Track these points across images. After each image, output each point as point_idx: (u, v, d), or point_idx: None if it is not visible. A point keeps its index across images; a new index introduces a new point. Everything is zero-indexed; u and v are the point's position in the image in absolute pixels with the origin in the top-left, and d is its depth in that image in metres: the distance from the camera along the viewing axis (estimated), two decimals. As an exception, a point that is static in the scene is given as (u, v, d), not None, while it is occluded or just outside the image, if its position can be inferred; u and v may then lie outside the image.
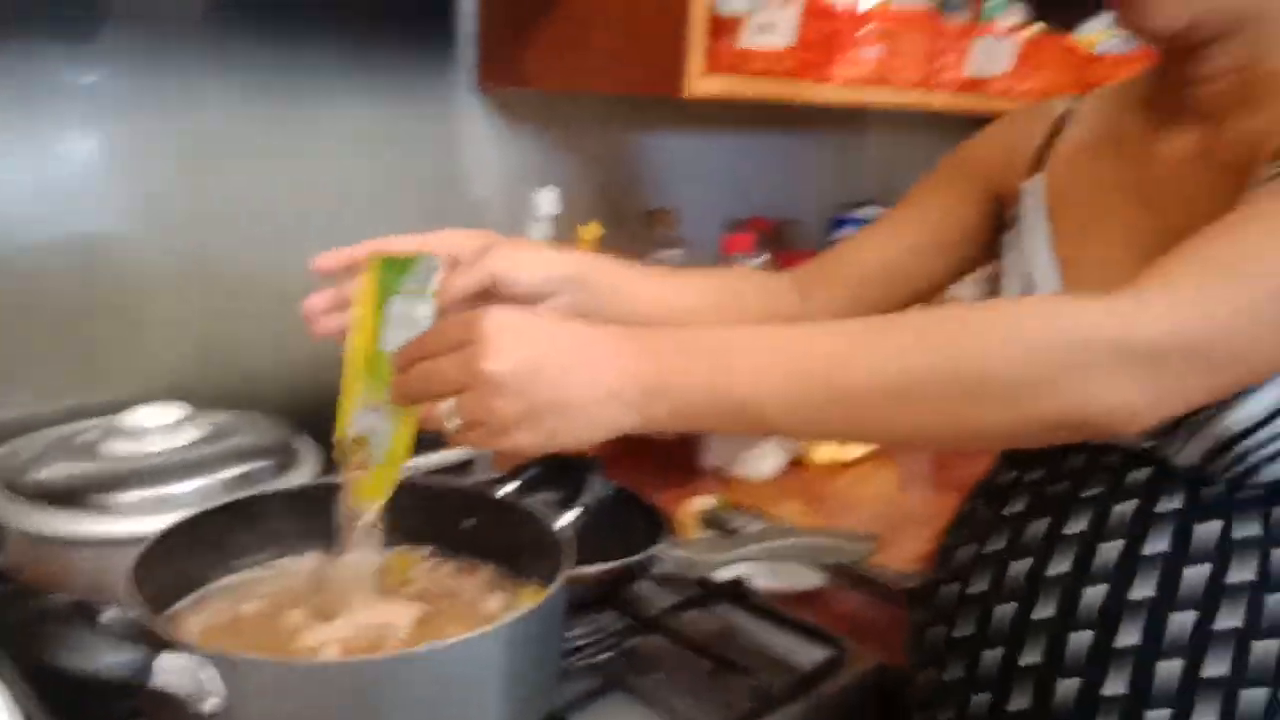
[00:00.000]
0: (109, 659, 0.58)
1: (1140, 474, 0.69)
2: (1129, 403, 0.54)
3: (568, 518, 0.81)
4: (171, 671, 0.58)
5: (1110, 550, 0.69)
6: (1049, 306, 0.59)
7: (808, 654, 0.87)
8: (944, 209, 0.87)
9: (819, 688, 0.83)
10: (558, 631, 0.72)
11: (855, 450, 1.37)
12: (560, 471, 0.88)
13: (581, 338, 0.57)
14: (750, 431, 0.64)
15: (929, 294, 0.89)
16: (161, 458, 0.88)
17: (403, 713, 0.61)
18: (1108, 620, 0.68)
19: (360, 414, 0.68)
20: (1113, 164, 0.76)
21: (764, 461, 1.27)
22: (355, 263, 0.71)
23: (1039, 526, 0.72)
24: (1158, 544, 0.67)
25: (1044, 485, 0.74)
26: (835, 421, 0.57)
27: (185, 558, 0.75)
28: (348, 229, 1.12)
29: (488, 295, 0.72)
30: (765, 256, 1.52)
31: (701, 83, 1.07)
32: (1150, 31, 0.68)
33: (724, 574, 0.94)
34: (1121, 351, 0.53)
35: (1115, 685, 0.67)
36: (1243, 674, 0.65)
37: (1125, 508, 0.69)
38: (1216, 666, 0.65)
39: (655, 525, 0.92)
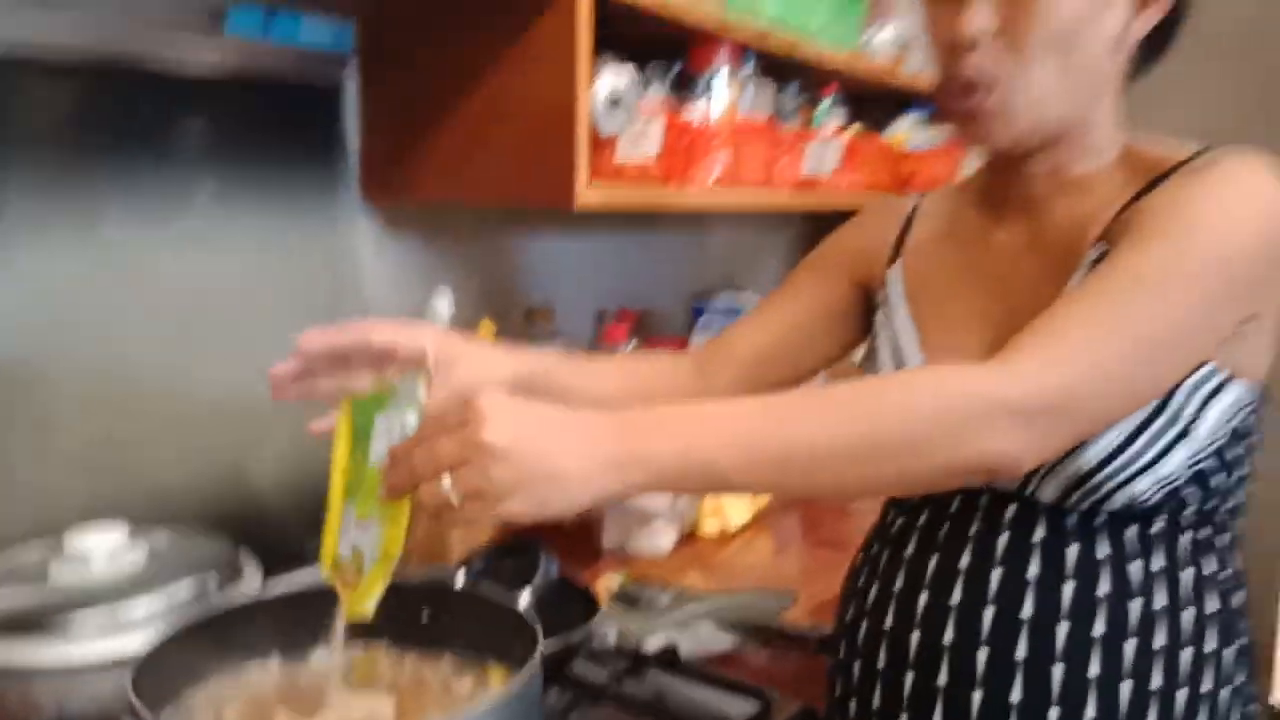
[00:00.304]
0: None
1: (1009, 511, 0.82)
2: (1010, 451, 0.67)
3: (524, 598, 0.87)
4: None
5: (995, 577, 0.81)
6: (945, 376, 0.71)
7: (738, 707, 0.96)
8: (816, 295, 1.00)
9: (757, 733, 0.92)
10: (539, 702, 0.78)
11: (738, 521, 1.48)
12: (502, 557, 0.94)
13: (568, 416, 0.65)
14: (712, 490, 0.73)
15: (815, 369, 1.01)
16: (109, 578, 0.88)
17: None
18: (1001, 637, 0.80)
19: (346, 534, 0.74)
20: (958, 252, 0.91)
21: (659, 538, 1.36)
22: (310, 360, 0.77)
23: (933, 563, 0.84)
24: (1033, 568, 0.80)
25: (932, 528, 0.86)
26: (783, 478, 0.67)
27: (165, 672, 0.76)
28: (249, 337, 1.19)
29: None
30: (634, 343, 1.63)
31: (588, 194, 1.18)
32: (986, 146, 0.83)
33: (651, 644, 1.03)
34: (1002, 410, 0.66)
35: (1015, 693, 0.79)
36: (1116, 671, 0.78)
37: (1002, 540, 0.82)
38: (1094, 667, 0.78)
39: (590, 603, 1.00)
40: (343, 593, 0.74)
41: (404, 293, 1.39)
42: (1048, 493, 0.80)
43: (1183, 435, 0.76)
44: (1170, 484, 0.77)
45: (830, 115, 1.74)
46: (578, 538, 1.36)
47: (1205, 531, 0.82)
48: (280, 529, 1.17)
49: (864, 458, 0.66)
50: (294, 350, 0.82)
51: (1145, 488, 0.77)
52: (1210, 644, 0.80)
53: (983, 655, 0.81)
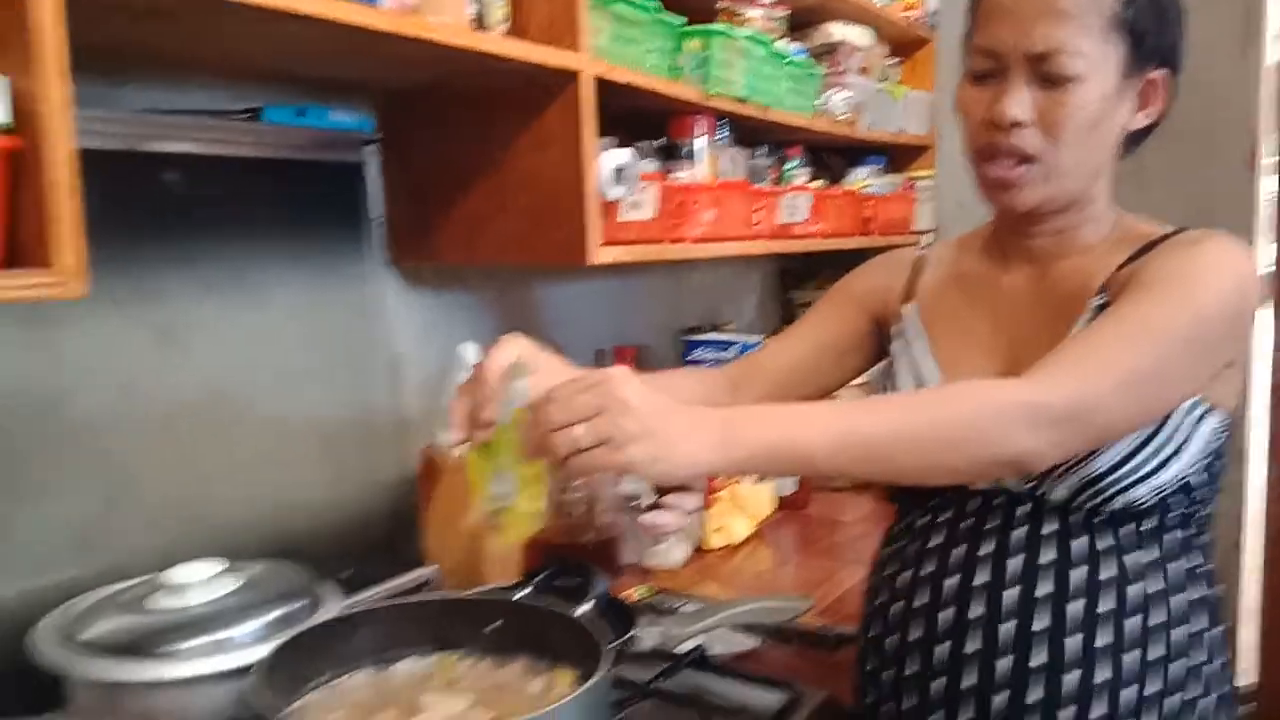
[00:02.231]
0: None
1: (1025, 508, 0.98)
2: (1037, 449, 0.83)
3: (585, 609, 1.00)
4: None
5: (1014, 563, 0.97)
6: (989, 387, 0.87)
7: (769, 699, 1.09)
8: (836, 325, 1.17)
9: (789, 718, 1.06)
10: (608, 700, 0.91)
11: (741, 535, 1.63)
12: (557, 576, 1.07)
13: (686, 405, 0.77)
14: (799, 473, 0.87)
15: (830, 390, 1.18)
16: (208, 607, 0.98)
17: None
18: (1024, 611, 0.95)
19: (487, 494, 0.87)
20: (968, 293, 1.08)
21: (672, 552, 1.50)
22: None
23: (959, 551, 0.99)
24: (1048, 554, 0.96)
25: (956, 522, 1.01)
26: (863, 463, 0.82)
27: (274, 683, 0.87)
28: (294, 387, 1.30)
29: None
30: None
31: (601, 253, 1.33)
32: (1011, 210, 0.99)
33: (682, 648, 1.16)
34: (1034, 414, 0.81)
35: (1036, 659, 0.94)
36: (1120, 643, 0.93)
37: (1018, 532, 0.97)
38: (1104, 638, 0.93)
39: (627, 613, 1.13)
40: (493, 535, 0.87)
41: (427, 340, 1.54)
42: (1059, 493, 0.95)
43: (1176, 453, 0.93)
44: (1163, 492, 0.94)
45: (797, 171, 1.91)
46: (596, 556, 1.48)
47: (1188, 531, 0.99)
48: (341, 555, 1.29)
49: (926, 449, 0.81)
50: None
51: (1143, 494, 0.93)
52: (1199, 624, 0.97)
53: (1006, 628, 0.96)
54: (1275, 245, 2.16)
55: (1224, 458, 0.99)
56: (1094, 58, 0.92)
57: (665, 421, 0.75)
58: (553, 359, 0.96)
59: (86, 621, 0.96)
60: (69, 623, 0.97)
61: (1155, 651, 0.94)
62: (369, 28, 0.99)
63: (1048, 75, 0.93)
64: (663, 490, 1.71)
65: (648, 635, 1.13)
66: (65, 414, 1.11)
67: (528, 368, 0.86)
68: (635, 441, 0.74)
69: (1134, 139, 1.01)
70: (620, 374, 0.76)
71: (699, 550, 1.59)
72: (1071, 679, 0.94)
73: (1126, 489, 0.93)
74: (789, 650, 1.24)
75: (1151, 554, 0.96)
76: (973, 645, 0.97)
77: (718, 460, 0.77)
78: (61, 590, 1.06)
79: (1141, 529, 0.96)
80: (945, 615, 0.99)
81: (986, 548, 0.98)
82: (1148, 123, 0.99)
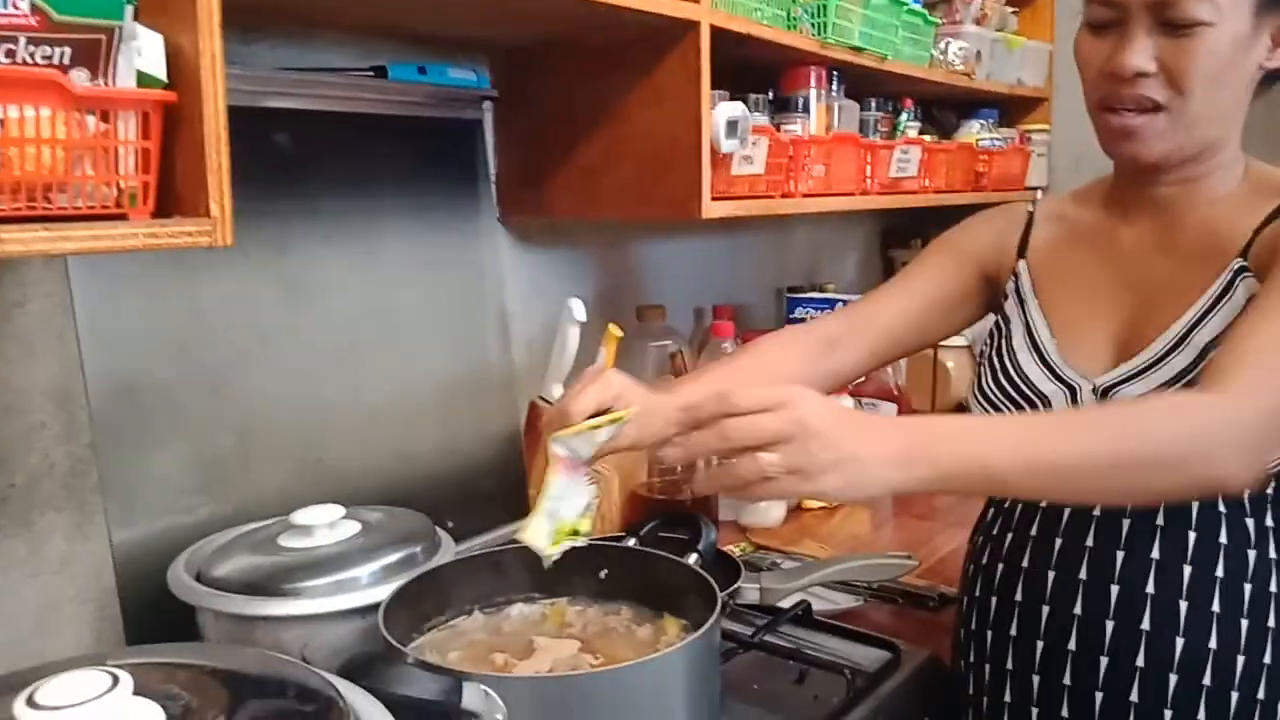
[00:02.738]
0: (430, 687, 0.76)
1: None
2: (1236, 474, 0.78)
3: (693, 560, 1.02)
4: (472, 696, 0.77)
5: (1119, 558, 0.94)
6: (1181, 406, 0.82)
7: (871, 655, 1.09)
8: (942, 280, 1.12)
9: (891, 677, 1.06)
10: (717, 648, 0.93)
11: (840, 496, 1.63)
12: (667, 526, 1.09)
13: (865, 415, 0.79)
14: (985, 491, 0.87)
15: (934, 343, 1.16)
16: (333, 548, 1.03)
17: (633, 713, 0.82)
18: (1132, 574, 0.93)
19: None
20: (1084, 251, 1.04)
21: (771, 510, 1.51)
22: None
23: (1066, 511, 0.97)
24: (1155, 550, 0.92)
25: (1053, 509, 0.98)
26: (1053, 483, 0.79)
27: (398, 619, 0.92)
28: (411, 339, 1.33)
29: None
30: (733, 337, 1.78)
31: (712, 207, 1.33)
32: (1135, 161, 0.95)
33: (786, 602, 1.17)
34: (1227, 438, 0.77)
35: (1139, 659, 0.93)
36: (1234, 644, 0.91)
37: (1126, 523, 0.94)
38: (1212, 641, 0.91)
39: (733, 566, 1.15)
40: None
41: (535, 295, 1.56)
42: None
43: None
44: None
45: (910, 124, 1.87)
46: (695, 511, 1.50)
47: None
48: (447, 506, 1.32)
49: (1119, 472, 0.78)
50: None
51: None
52: None
53: (1110, 626, 0.94)
54: None
55: None
56: (1222, 0, 0.86)
57: (853, 444, 0.73)
58: (650, 395, 0.94)
59: (219, 559, 1.02)
60: (203, 559, 1.03)
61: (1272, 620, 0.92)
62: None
63: (1171, 21, 0.87)
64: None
65: (752, 590, 1.15)
66: (200, 360, 1.16)
67: (624, 414, 0.87)
68: (826, 471, 0.72)
69: (1272, 77, 0.94)
70: (801, 395, 0.74)
71: (796, 509, 1.59)
72: (1181, 643, 0.92)
73: None
74: (891, 609, 1.24)
75: (1268, 520, 0.93)
76: (1072, 643, 0.96)
77: (903, 480, 0.74)
78: (193, 529, 1.12)
79: (1265, 524, 0.93)
80: (1044, 610, 0.97)
81: (1094, 510, 0.96)
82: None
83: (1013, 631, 1.00)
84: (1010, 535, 1.02)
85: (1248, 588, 0.91)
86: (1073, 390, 0.97)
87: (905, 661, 1.09)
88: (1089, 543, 0.96)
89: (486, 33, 1.35)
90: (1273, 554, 0.92)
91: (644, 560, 1.03)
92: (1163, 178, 0.97)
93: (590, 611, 1.03)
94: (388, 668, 0.78)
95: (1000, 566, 1.02)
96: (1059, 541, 0.98)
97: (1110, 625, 0.94)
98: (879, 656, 1.09)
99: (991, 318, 1.13)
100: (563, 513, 0.91)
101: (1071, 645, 0.96)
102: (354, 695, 0.71)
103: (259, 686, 0.71)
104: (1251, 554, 0.92)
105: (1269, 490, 0.92)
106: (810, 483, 0.72)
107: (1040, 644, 0.98)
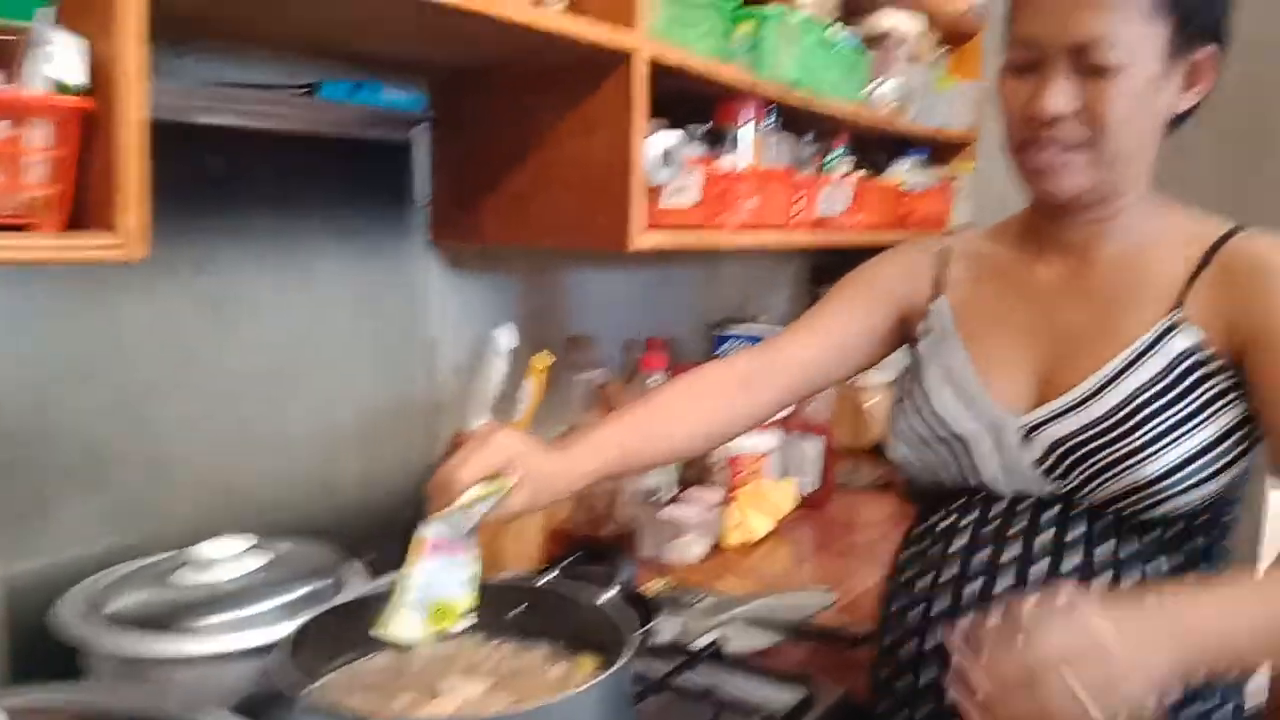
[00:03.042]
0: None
1: (1051, 512, 0.96)
2: None
3: (609, 596, 1.00)
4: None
5: (1039, 568, 0.95)
6: None
7: (784, 696, 1.08)
8: (853, 317, 1.12)
9: (805, 715, 1.05)
10: (630, 689, 0.91)
11: (761, 532, 1.62)
12: (585, 562, 1.07)
13: (1131, 620, 0.75)
14: (1229, 669, 0.90)
15: (841, 381, 1.16)
16: (234, 583, 0.99)
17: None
18: None
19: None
20: (1001, 287, 1.05)
21: (692, 547, 1.50)
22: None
23: (983, 556, 0.98)
24: (1073, 560, 0.94)
25: (979, 526, 0.99)
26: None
27: (299, 659, 0.87)
28: (335, 365, 1.29)
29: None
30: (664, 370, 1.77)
31: (643, 238, 1.32)
32: (1053, 197, 0.97)
33: (700, 641, 1.16)
34: None
35: None
36: None
37: (1045, 537, 0.95)
38: None
39: (648, 606, 1.13)
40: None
41: (463, 322, 1.53)
42: (1099, 496, 0.94)
43: (1230, 464, 0.93)
44: (1209, 501, 0.93)
45: (840, 162, 1.89)
46: (615, 548, 1.48)
47: (1210, 537, 0.97)
48: (368, 537, 1.29)
49: None
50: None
51: (1190, 501, 0.92)
52: None
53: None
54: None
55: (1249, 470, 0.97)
56: (1136, 45, 0.90)
57: (1140, 652, 0.74)
58: (544, 459, 0.93)
59: (112, 594, 0.97)
60: (95, 595, 0.98)
61: None
62: (433, 1, 0.97)
63: (1089, 66, 0.90)
64: (684, 485, 1.70)
65: (667, 627, 1.13)
66: (113, 382, 1.11)
67: (506, 483, 0.86)
68: (1117, 688, 0.72)
69: (1179, 119, 0.98)
70: (1080, 599, 0.75)
71: (717, 546, 1.59)
72: None
73: (1175, 495, 0.92)
74: (806, 648, 1.23)
75: (1175, 560, 0.95)
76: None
77: (1175, 679, 0.76)
78: (96, 561, 1.06)
79: (1166, 535, 0.95)
80: (917, 611, 0.99)
81: (1010, 552, 0.97)
82: (1196, 101, 0.96)
83: (924, 679, 1.00)
84: (924, 578, 1.02)
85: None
86: (997, 429, 0.99)
87: (818, 700, 1.08)
88: (999, 588, 0.96)
89: (421, 54, 1.33)
90: (1173, 563, 0.95)
91: (559, 598, 1.00)
92: (1077, 217, 0.99)
93: (503, 650, 1.00)
94: (284, 710, 0.74)
95: (915, 610, 1.02)
96: (969, 587, 0.98)
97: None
98: (793, 696, 1.08)
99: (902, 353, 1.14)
100: (436, 594, 0.90)
101: None
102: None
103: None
104: (1153, 565, 0.95)
105: (1170, 533, 0.95)
106: (1107, 698, 0.72)
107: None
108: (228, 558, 1.00)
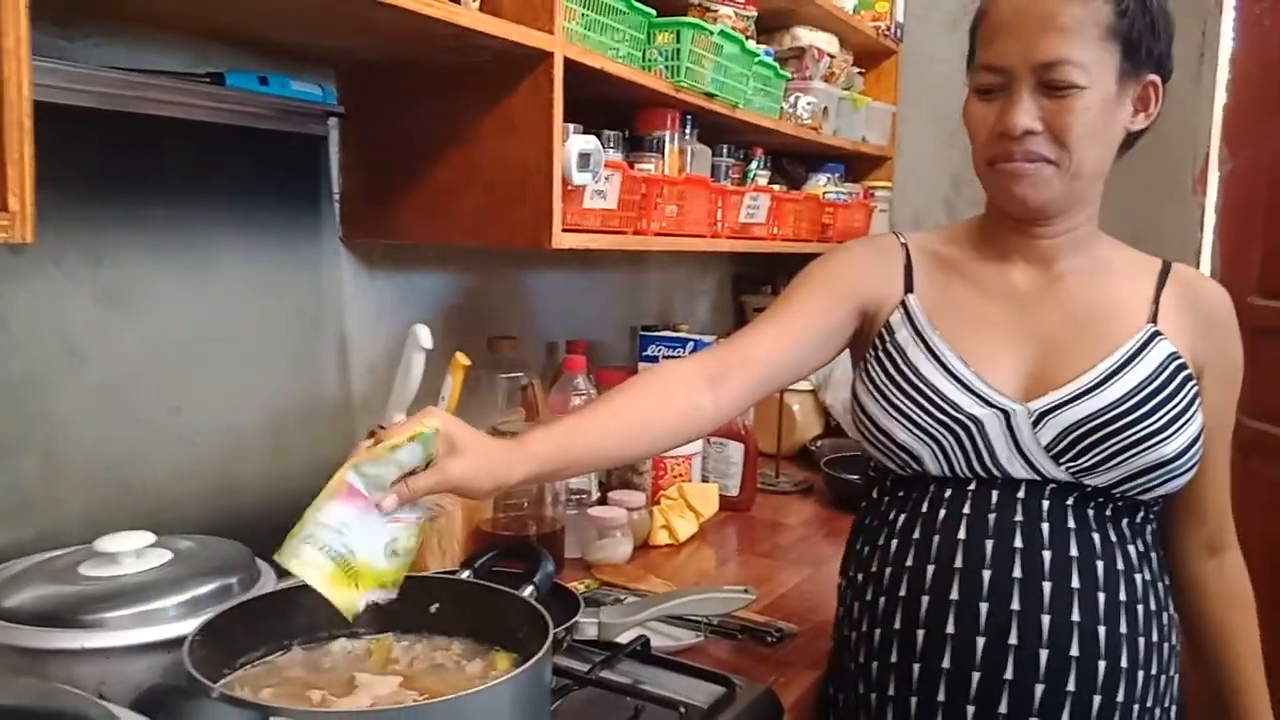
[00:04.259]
0: (231, 725, 0.71)
1: (1047, 498, 1.02)
2: None
3: (528, 592, 0.99)
4: (279, 733, 0.72)
5: (1037, 552, 1.01)
6: None
7: (706, 691, 1.08)
8: (817, 313, 1.12)
9: (724, 712, 1.05)
10: (547, 683, 0.90)
11: (686, 533, 1.63)
12: (503, 557, 1.06)
13: None
14: None
15: (802, 378, 1.19)
16: (138, 577, 0.95)
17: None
18: (1028, 601, 1.00)
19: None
20: (975, 290, 1.10)
21: (618, 548, 1.49)
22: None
23: (987, 540, 1.02)
24: (1071, 540, 1.01)
25: (977, 512, 1.03)
26: None
27: (207, 654, 0.85)
28: (241, 362, 1.26)
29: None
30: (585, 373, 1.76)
31: (563, 239, 1.32)
32: (1025, 204, 1.03)
33: (624, 637, 1.15)
34: None
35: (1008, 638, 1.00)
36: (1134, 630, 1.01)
37: (1030, 519, 1.02)
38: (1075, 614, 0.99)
39: (572, 601, 1.12)
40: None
41: (378, 321, 1.51)
42: (1103, 481, 1.01)
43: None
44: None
45: (760, 172, 1.92)
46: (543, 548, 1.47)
47: (1155, 524, 1.07)
48: (273, 537, 1.25)
49: None
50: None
51: (1180, 485, 1.03)
52: (1171, 609, 1.05)
53: (1046, 621, 0.99)
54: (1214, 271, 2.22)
55: None
56: (1094, 66, 0.98)
57: None
58: (490, 439, 0.92)
59: (10, 588, 0.93)
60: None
61: (1154, 635, 1.02)
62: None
63: (1052, 84, 0.99)
64: (608, 486, 1.70)
65: (590, 625, 1.12)
66: (3, 371, 1.07)
67: (424, 432, 0.85)
68: None
69: (1129, 142, 1.07)
70: None
71: (643, 547, 1.58)
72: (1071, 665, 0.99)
73: (1180, 475, 1.02)
74: (730, 645, 1.23)
75: (1139, 546, 1.03)
76: (957, 627, 1.01)
77: None
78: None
79: (1135, 521, 1.04)
80: (923, 601, 1.02)
81: (1013, 537, 1.01)
82: (1146, 124, 1.05)
83: (896, 624, 1.05)
84: (889, 566, 1.07)
85: (1138, 576, 1.02)
86: (1007, 414, 1.03)
87: (740, 696, 1.08)
88: (1008, 572, 1.01)
89: (331, 44, 1.31)
90: (1147, 576, 1.03)
91: (476, 593, 0.99)
92: (1044, 228, 1.07)
93: (418, 647, 0.98)
94: (188, 702, 0.72)
95: (908, 558, 1.06)
96: (931, 568, 1.03)
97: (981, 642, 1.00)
98: (714, 691, 1.08)
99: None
100: (350, 546, 0.86)
101: (946, 663, 1.01)
102: (141, 731, 0.65)
103: (29, 718, 0.64)
104: (1138, 577, 1.02)
105: (1139, 518, 1.05)
106: None
107: (917, 666, 1.03)
108: (132, 551, 0.96)
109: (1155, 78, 1.03)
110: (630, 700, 1.05)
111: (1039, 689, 0.98)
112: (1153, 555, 1.05)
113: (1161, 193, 2.21)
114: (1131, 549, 1.03)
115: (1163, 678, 1.02)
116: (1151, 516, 1.06)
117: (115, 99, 1.12)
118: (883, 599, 1.07)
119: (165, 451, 1.21)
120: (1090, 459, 1.01)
